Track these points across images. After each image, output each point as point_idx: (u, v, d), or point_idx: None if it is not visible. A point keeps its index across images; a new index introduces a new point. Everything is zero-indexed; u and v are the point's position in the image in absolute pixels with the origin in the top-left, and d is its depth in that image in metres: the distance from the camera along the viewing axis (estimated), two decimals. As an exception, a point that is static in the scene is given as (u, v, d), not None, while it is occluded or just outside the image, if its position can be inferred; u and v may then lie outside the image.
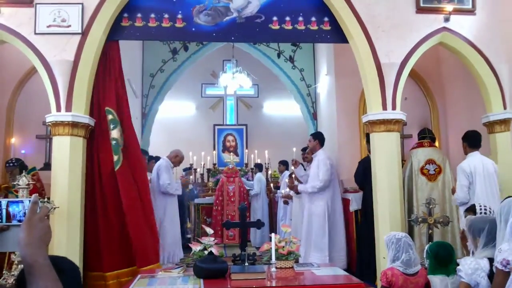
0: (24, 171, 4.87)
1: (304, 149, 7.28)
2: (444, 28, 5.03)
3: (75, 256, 4.33)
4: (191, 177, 9.47)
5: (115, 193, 4.66)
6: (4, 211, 1.31)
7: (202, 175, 10.31)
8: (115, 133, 4.72)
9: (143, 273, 3.71)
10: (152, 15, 4.98)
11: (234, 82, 9.17)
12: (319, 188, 5.81)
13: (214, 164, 10.73)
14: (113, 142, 4.71)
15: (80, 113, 4.56)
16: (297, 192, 6.50)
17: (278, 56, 9.28)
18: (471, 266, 2.58)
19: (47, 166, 6.10)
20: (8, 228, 1.30)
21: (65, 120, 4.48)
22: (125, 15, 4.95)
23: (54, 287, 1.10)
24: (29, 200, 1.27)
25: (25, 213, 1.29)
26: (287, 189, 7.19)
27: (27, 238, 1.15)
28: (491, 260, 2.57)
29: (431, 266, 3.16)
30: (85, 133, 4.62)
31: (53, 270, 1.13)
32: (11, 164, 5.18)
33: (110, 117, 4.74)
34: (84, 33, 4.65)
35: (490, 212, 3.13)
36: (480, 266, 2.56)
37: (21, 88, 6.52)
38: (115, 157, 4.69)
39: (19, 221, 1.30)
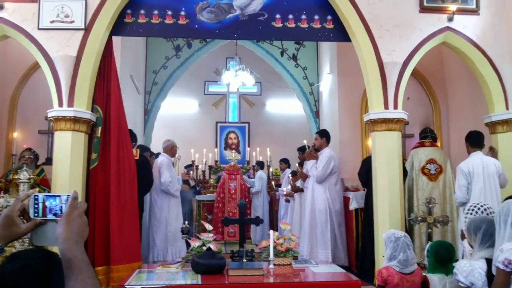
0: (35, 167, 5.12)
1: (300, 149, 7.28)
2: (448, 28, 5.01)
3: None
4: (191, 172, 9.49)
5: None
6: (40, 205, 1.31)
7: (203, 172, 10.33)
8: (98, 131, 4.71)
9: (141, 268, 3.73)
10: (155, 12, 4.98)
11: (237, 79, 9.19)
12: (315, 177, 5.92)
13: (216, 161, 10.76)
14: (95, 140, 4.70)
15: (82, 109, 4.57)
16: (298, 191, 6.52)
17: (282, 54, 9.28)
18: (465, 268, 2.59)
19: (49, 161, 6.13)
20: (46, 222, 1.30)
21: (67, 115, 4.49)
22: (128, 11, 4.95)
23: (93, 283, 1.11)
24: (67, 195, 1.28)
25: (61, 207, 1.29)
26: (289, 187, 7.20)
27: (66, 233, 1.16)
28: (488, 261, 2.57)
29: (430, 264, 3.17)
30: (87, 128, 4.64)
31: (90, 266, 1.14)
32: (35, 153, 5.22)
33: (97, 115, 4.73)
34: (87, 29, 4.66)
35: (483, 211, 3.12)
36: (474, 267, 2.57)
37: (24, 83, 6.54)
38: (94, 155, 4.65)
39: (55, 215, 1.30)
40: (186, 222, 4.42)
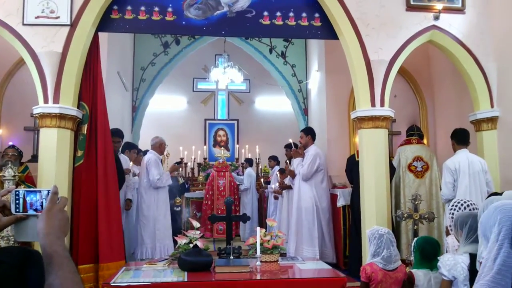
0: (19, 164, 5.01)
1: (287, 146, 7.32)
2: (434, 26, 5.05)
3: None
4: (180, 169, 9.45)
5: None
6: (21, 200, 1.30)
7: (192, 169, 10.31)
8: (84, 129, 4.65)
9: (127, 266, 3.71)
10: (142, 8, 4.95)
11: (225, 76, 9.17)
12: (301, 175, 5.94)
13: (205, 159, 10.74)
14: (80, 137, 4.64)
15: (68, 105, 4.51)
16: (286, 188, 6.54)
17: (270, 51, 9.28)
18: (449, 262, 2.62)
19: (35, 158, 6.06)
20: (27, 217, 1.29)
21: (52, 112, 4.44)
22: (115, 7, 4.91)
23: (73, 279, 1.09)
24: (48, 190, 1.27)
25: (42, 202, 1.28)
26: (277, 185, 7.22)
27: (47, 228, 1.15)
28: (472, 256, 2.61)
29: (416, 259, 3.21)
30: (73, 125, 4.59)
31: (71, 261, 1.12)
32: (19, 151, 5.09)
33: (83, 112, 4.69)
34: (73, 25, 4.61)
35: (466, 207, 3.16)
36: (457, 262, 2.60)
37: (9, 80, 6.46)
38: (79, 153, 4.58)
39: (36, 210, 1.30)
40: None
